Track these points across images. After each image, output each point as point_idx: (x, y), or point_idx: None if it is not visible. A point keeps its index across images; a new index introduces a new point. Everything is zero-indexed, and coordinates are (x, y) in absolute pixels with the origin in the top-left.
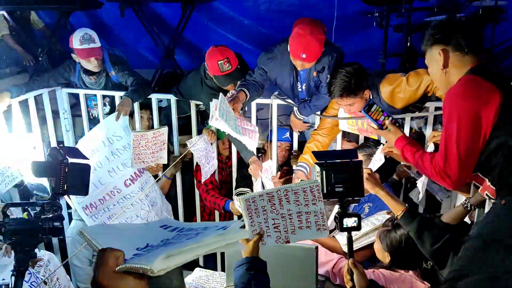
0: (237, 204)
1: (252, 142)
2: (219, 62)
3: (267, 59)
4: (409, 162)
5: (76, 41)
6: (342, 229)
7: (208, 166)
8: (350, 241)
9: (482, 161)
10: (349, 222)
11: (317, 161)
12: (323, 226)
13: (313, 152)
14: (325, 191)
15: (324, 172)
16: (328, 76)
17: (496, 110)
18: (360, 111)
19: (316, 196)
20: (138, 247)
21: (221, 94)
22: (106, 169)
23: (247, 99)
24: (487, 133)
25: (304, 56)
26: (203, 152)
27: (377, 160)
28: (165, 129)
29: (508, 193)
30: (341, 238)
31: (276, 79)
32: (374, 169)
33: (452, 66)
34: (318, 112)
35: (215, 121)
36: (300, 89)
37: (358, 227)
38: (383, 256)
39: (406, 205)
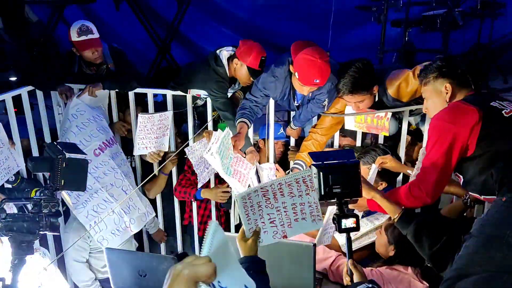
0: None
1: (239, 185)
2: (262, 58)
3: (270, 82)
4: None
5: (74, 33)
6: (341, 230)
7: (206, 171)
8: (349, 241)
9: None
10: (348, 223)
11: (314, 163)
12: (317, 216)
13: (310, 153)
14: (322, 193)
15: (321, 173)
16: (326, 99)
17: (471, 129)
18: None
19: (309, 186)
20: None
21: (227, 129)
22: (75, 143)
23: (249, 128)
24: (463, 148)
25: (318, 81)
26: (202, 158)
27: (371, 179)
28: (170, 113)
29: (508, 190)
30: (340, 238)
31: (276, 97)
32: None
33: (454, 98)
34: (325, 108)
35: (210, 156)
36: (296, 103)
37: (356, 228)
38: (387, 250)
39: (403, 207)
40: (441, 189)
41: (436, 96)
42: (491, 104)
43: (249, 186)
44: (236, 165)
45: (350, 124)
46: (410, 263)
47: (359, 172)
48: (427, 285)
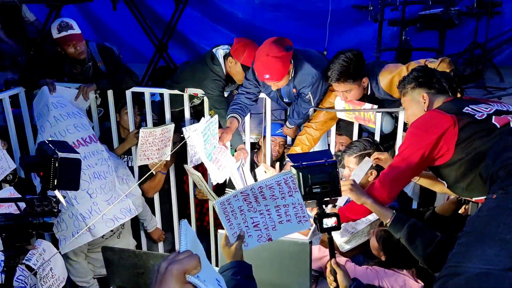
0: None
1: (218, 174)
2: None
3: (255, 75)
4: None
5: (54, 31)
6: (322, 230)
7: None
8: (331, 241)
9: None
10: (329, 222)
11: (293, 164)
12: (303, 217)
13: (288, 155)
14: (303, 193)
15: (300, 174)
16: (310, 93)
17: (443, 135)
18: (357, 100)
19: (291, 187)
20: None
21: (215, 116)
22: (48, 133)
23: (240, 123)
24: (433, 156)
25: (267, 76)
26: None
27: (362, 170)
28: (172, 126)
29: (498, 187)
30: (337, 238)
31: (265, 91)
32: (358, 180)
33: (432, 107)
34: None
35: (194, 133)
36: (285, 100)
37: (337, 227)
38: (379, 254)
39: (394, 212)
40: (397, 188)
41: (415, 106)
42: (463, 110)
43: (228, 181)
44: (218, 154)
45: (340, 113)
46: (403, 267)
47: (337, 171)
48: (422, 284)
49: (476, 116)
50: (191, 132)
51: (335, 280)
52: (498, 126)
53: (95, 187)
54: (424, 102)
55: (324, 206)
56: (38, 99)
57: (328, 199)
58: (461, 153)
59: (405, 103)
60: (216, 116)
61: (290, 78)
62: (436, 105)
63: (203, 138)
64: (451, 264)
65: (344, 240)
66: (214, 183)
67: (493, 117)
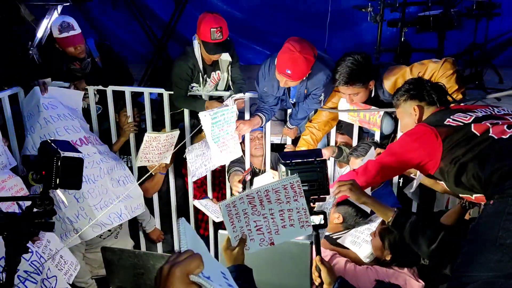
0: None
1: (219, 155)
2: (211, 29)
3: (264, 78)
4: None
5: (55, 30)
6: None
7: (204, 167)
8: (317, 238)
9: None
10: (316, 219)
11: (282, 161)
12: (306, 222)
13: (279, 153)
14: None
15: (289, 171)
16: (322, 94)
17: (420, 143)
18: (362, 103)
19: (297, 192)
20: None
21: (234, 107)
22: (38, 135)
23: (262, 123)
24: (418, 165)
25: (289, 72)
26: (198, 157)
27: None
28: (177, 133)
29: (494, 192)
30: (358, 249)
31: (273, 94)
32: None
33: (423, 118)
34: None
35: (203, 116)
36: (291, 101)
37: (324, 225)
38: (383, 254)
39: (395, 209)
40: (375, 179)
41: (407, 117)
42: (444, 123)
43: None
44: (229, 141)
45: (343, 115)
46: (406, 264)
47: (326, 170)
48: (423, 283)
49: (455, 127)
50: (201, 115)
51: (320, 276)
52: (478, 134)
53: (82, 191)
54: (416, 114)
55: (312, 203)
56: (28, 99)
57: (316, 197)
58: (445, 164)
59: (398, 115)
60: (235, 106)
61: (303, 79)
62: (425, 117)
63: (210, 119)
64: (457, 274)
65: (367, 254)
66: (214, 167)
67: (472, 125)
